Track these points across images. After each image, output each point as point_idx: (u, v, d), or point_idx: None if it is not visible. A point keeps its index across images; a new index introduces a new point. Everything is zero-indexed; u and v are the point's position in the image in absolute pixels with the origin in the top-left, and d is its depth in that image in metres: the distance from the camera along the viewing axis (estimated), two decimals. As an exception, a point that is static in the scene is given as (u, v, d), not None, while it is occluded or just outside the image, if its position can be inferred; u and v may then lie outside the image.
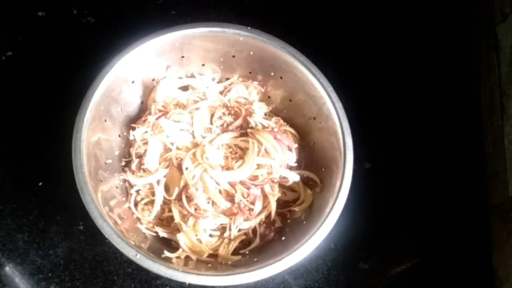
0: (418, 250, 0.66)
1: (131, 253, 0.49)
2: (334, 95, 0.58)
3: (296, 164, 0.62)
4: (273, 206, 0.58)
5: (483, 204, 0.69)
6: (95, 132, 0.55)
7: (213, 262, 0.56)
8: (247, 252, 0.57)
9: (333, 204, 0.53)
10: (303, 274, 0.63)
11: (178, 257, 0.55)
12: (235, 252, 0.58)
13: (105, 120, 0.57)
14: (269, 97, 0.66)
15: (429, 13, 0.80)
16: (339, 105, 0.57)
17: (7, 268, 0.60)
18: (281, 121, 0.64)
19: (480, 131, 0.73)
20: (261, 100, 0.67)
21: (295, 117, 0.64)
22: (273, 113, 0.66)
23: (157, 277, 0.61)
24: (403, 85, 0.75)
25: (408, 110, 0.74)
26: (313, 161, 0.62)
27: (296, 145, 0.61)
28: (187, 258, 0.56)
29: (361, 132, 0.72)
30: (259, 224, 0.58)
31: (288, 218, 0.60)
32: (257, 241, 0.58)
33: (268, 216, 0.59)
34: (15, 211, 0.62)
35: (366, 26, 0.79)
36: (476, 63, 0.77)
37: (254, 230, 0.59)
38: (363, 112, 0.73)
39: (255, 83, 0.65)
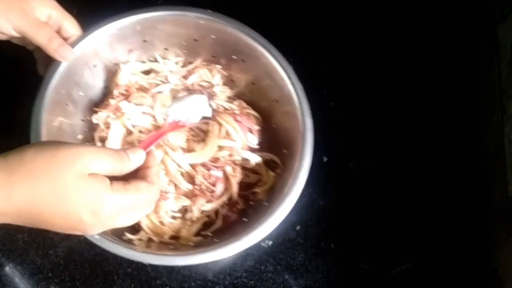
0: (418, 250, 0.66)
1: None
2: (294, 77, 0.58)
3: (258, 146, 0.62)
4: (234, 188, 0.59)
5: (483, 204, 0.69)
6: (56, 116, 0.56)
7: (175, 243, 0.56)
8: (209, 234, 0.58)
9: (292, 184, 0.53)
10: (303, 274, 0.63)
11: (140, 239, 0.56)
12: (198, 234, 0.58)
13: (67, 104, 0.58)
14: (232, 80, 0.66)
15: (428, 12, 0.80)
16: (299, 86, 0.58)
17: (7, 268, 0.60)
18: (244, 104, 0.64)
19: (480, 131, 0.73)
20: (225, 84, 0.67)
21: (259, 100, 0.64)
22: (237, 96, 0.67)
23: (157, 277, 0.61)
24: (403, 85, 0.75)
25: (408, 110, 0.74)
26: (276, 143, 0.62)
27: (257, 127, 0.62)
28: (149, 240, 0.56)
29: (361, 132, 0.72)
30: (222, 206, 0.59)
31: (251, 200, 0.61)
32: (219, 222, 0.58)
33: (230, 198, 0.59)
34: (15, 211, 0.62)
35: (362, 25, 0.79)
36: (476, 63, 0.77)
37: (217, 212, 0.59)
38: (362, 113, 0.73)
39: (219, 66, 0.66)
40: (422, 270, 0.65)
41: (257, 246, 0.64)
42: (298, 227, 0.65)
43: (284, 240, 0.65)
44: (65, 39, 0.57)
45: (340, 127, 0.72)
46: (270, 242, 0.64)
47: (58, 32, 0.57)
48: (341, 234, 0.66)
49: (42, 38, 0.54)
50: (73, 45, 0.56)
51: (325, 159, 0.70)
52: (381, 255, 0.65)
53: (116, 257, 0.61)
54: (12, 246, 0.61)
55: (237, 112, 0.61)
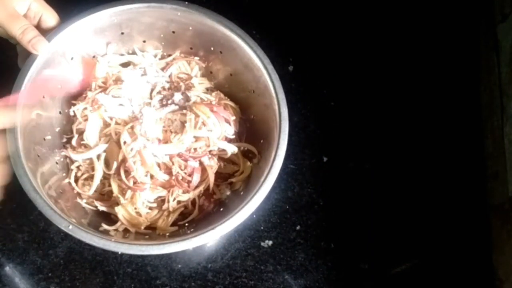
0: (418, 250, 0.66)
1: (63, 224, 0.49)
2: (270, 67, 0.58)
3: (234, 137, 0.63)
4: (211, 178, 0.59)
5: (483, 204, 0.69)
6: (33, 109, 0.56)
7: (151, 234, 0.57)
8: (186, 224, 0.58)
9: (268, 173, 0.54)
10: (303, 274, 0.63)
11: (116, 230, 0.56)
12: (175, 224, 0.59)
13: (43, 97, 0.58)
14: (211, 72, 0.67)
15: (428, 12, 0.80)
16: (275, 76, 0.58)
17: (7, 268, 0.60)
18: (222, 95, 0.65)
19: (480, 131, 0.73)
20: (203, 75, 0.67)
21: (237, 91, 0.65)
22: (216, 88, 0.67)
23: (157, 277, 0.61)
24: (403, 86, 0.75)
25: (408, 110, 0.74)
26: (253, 133, 0.63)
27: (234, 118, 0.62)
28: (126, 231, 0.57)
29: (361, 132, 0.72)
30: (199, 196, 0.59)
31: (228, 190, 0.62)
32: (195, 212, 0.59)
33: (207, 188, 0.60)
34: (15, 211, 0.62)
35: (362, 25, 0.79)
36: (476, 63, 0.77)
37: (194, 202, 0.59)
38: (362, 113, 0.73)
39: (197, 58, 0.66)
40: (421, 270, 0.65)
41: (257, 246, 0.64)
42: (298, 227, 0.66)
43: (284, 240, 0.65)
44: (45, 31, 0.56)
45: (340, 127, 0.72)
46: (270, 242, 0.64)
47: (38, 24, 0.56)
48: (341, 234, 0.66)
49: (16, 30, 0.53)
50: (49, 38, 0.56)
51: (325, 159, 0.70)
52: (381, 255, 0.65)
53: (116, 257, 0.62)
54: (12, 246, 0.61)
55: (214, 103, 0.62)
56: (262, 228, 0.65)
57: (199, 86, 0.65)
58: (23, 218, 0.62)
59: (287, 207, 0.67)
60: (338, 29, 0.78)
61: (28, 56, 0.56)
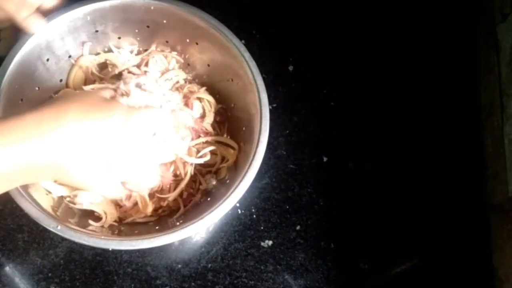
0: (418, 250, 0.66)
1: (52, 225, 0.49)
2: (247, 54, 0.58)
3: (211, 130, 0.62)
4: (189, 172, 0.59)
5: (483, 204, 0.69)
6: (11, 113, 0.54)
7: (140, 228, 0.57)
8: (175, 217, 0.58)
9: (252, 160, 0.54)
10: (303, 274, 0.63)
11: (102, 227, 0.56)
12: (163, 218, 0.59)
13: (21, 100, 0.57)
14: (188, 64, 0.67)
15: (428, 12, 0.80)
16: (252, 63, 0.58)
17: (7, 268, 0.60)
18: (195, 88, 0.64)
19: (480, 131, 0.73)
20: (181, 68, 0.67)
21: (216, 81, 0.65)
22: (195, 78, 0.67)
23: (157, 277, 0.61)
24: (403, 85, 0.75)
25: (408, 110, 0.74)
26: (235, 122, 0.63)
27: (210, 109, 0.62)
28: (115, 227, 0.56)
29: (361, 132, 0.72)
30: (182, 194, 0.59)
31: (214, 179, 0.62)
32: (181, 210, 0.59)
33: (194, 180, 0.60)
34: (15, 211, 0.62)
35: (362, 25, 0.79)
36: (476, 63, 0.77)
37: (181, 195, 0.60)
38: (362, 113, 0.73)
39: (174, 53, 0.66)
40: (422, 270, 0.65)
41: (257, 246, 0.64)
42: (298, 227, 0.66)
43: (284, 240, 0.65)
44: (42, 12, 0.55)
45: (340, 127, 0.72)
46: (270, 242, 0.64)
47: (40, 5, 0.55)
48: (341, 234, 0.66)
49: (11, 6, 0.52)
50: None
51: (325, 159, 0.70)
52: (381, 255, 0.65)
53: (116, 257, 0.62)
54: (12, 246, 0.61)
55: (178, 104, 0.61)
56: (262, 228, 0.65)
57: (175, 79, 0.65)
58: (23, 218, 0.62)
59: (287, 207, 0.67)
60: (338, 29, 0.78)
61: (11, 43, 0.55)
